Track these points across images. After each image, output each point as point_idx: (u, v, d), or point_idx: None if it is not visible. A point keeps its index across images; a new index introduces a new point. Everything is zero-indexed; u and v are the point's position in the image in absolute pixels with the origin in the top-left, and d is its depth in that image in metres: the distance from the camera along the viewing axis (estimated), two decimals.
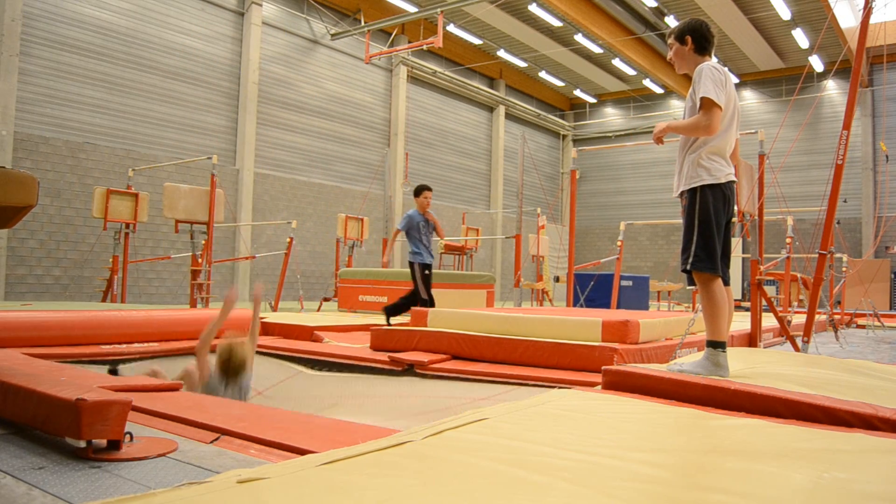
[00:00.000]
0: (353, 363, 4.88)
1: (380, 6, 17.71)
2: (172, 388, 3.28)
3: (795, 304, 11.86)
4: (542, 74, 23.76)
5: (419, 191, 6.68)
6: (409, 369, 4.55)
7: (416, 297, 6.62)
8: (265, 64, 15.78)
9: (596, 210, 26.01)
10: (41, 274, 11.89)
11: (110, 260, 10.34)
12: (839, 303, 12.25)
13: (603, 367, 3.12)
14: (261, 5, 15.53)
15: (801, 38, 19.26)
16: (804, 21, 18.79)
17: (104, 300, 10.12)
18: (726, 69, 3.23)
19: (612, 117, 26.49)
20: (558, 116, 26.76)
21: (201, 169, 13.70)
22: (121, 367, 4.50)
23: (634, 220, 17.01)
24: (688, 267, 3.16)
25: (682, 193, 3.26)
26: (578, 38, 19.94)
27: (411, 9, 17.05)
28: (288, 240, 10.85)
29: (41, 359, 3.93)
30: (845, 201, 20.17)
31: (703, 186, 3.14)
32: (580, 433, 2.13)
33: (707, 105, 3.05)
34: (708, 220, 3.12)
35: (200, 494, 1.45)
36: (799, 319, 7.49)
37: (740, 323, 6.89)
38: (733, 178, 3.23)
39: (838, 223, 14.98)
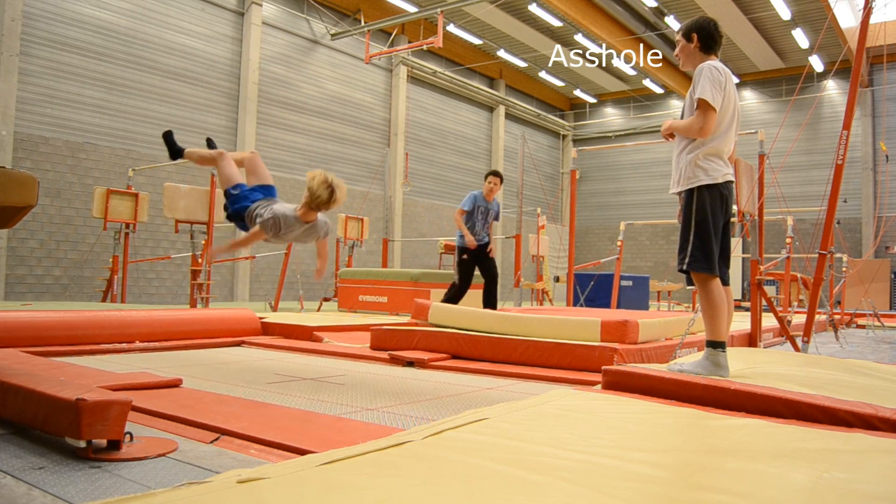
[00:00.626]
0: (351, 362, 4.88)
1: (380, 6, 17.71)
2: (173, 385, 3.28)
3: (795, 304, 11.86)
4: (542, 74, 23.76)
5: (486, 175, 6.60)
6: (409, 367, 4.55)
7: (454, 285, 6.50)
8: (265, 64, 15.78)
9: (596, 210, 26.01)
10: (41, 274, 11.89)
11: (110, 260, 10.34)
12: (839, 303, 12.25)
13: (603, 367, 3.12)
14: (261, 5, 15.53)
15: (801, 38, 19.26)
16: (804, 21, 18.79)
17: (104, 300, 10.13)
18: (728, 70, 3.23)
19: (612, 117, 26.50)
20: (558, 116, 26.76)
21: (201, 169, 13.69)
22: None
23: (634, 220, 17.01)
24: (684, 267, 3.17)
25: (679, 193, 3.26)
26: (578, 37, 19.94)
27: (411, 9, 17.06)
28: None
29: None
30: (845, 201, 20.17)
31: (700, 187, 3.14)
32: (580, 433, 2.13)
33: (702, 107, 3.05)
34: (705, 221, 3.12)
35: (200, 494, 1.45)
36: (799, 319, 7.49)
37: (740, 323, 6.89)
38: (731, 179, 3.23)
39: (838, 223, 14.97)
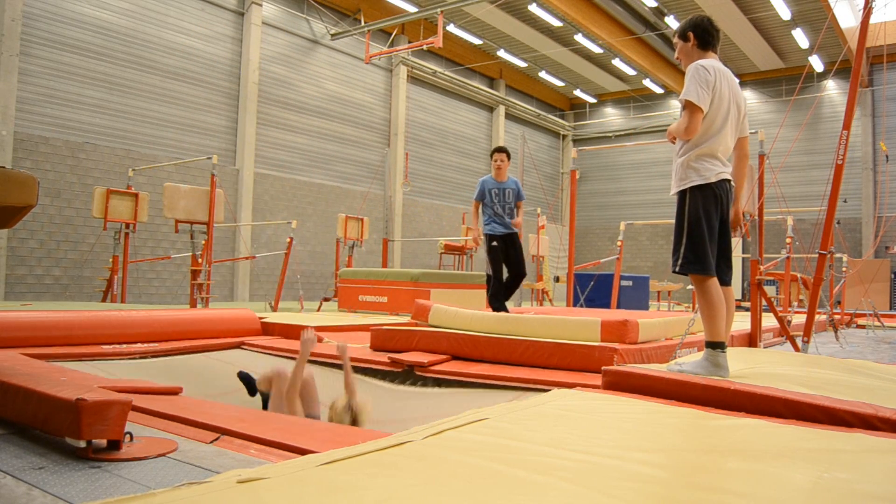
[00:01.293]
0: (352, 364, 4.87)
1: (380, 6, 17.71)
2: (172, 392, 3.28)
3: (795, 304, 11.86)
4: (542, 74, 23.76)
5: (491, 153, 6.17)
6: (409, 370, 4.55)
7: (489, 278, 6.05)
8: (265, 64, 15.78)
9: (596, 210, 26.01)
10: (41, 274, 11.89)
11: (110, 260, 10.34)
12: (839, 303, 12.25)
13: (603, 368, 3.12)
14: (261, 5, 15.53)
15: (801, 38, 19.26)
16: (804, 21, 18.79)
17: (104, 300, 10.13)
18: (724, 68, 3.18)
19: (612, 117, 26.49)
20: (558, 116, 26.76)
21: (201, 169, 13.70)
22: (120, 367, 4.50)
23: (634, 220, 17.01)
24: (676, 269, 3.15)
25: (676, 194, 3.25)
26: (578, 37, 19.95)
27: (411, 9, 17.05)
28: (288, 240, 10.85)
29: (41, 359, 3.93)
30: (845, 201, 20.16)
31: (692, 188, 3.12)
32: (580, 433, 2.13)
33: (687, 107, 3.04)
34: (697, 222, 3.10)
35: (200, 494, 1.45)
36: (799, 319, 7.48)
37: (740, 323, 6.90)
38: (726, 178, 3.19)
39: (838, 223, 14.97)
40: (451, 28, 19.21)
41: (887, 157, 17.34)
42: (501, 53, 21.57)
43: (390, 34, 18.53)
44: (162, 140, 13.85)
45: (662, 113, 24.67)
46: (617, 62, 21.86)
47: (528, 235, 13.73)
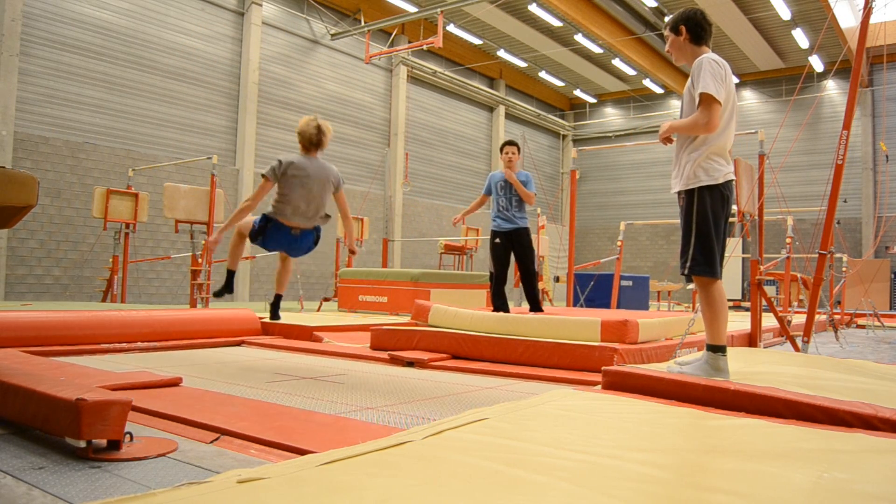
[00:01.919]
0: (352, 364, 4.88)
1: (380, 6, 17.71)
2: (172, 384, 3.29)
3: (795, 304, 11.87)
4: (542, 74, 23.76)
5: (500, 147, 6.05)
6: (409, 367, 4.55)
7: (491, 275, 5.92)
8: (265, 64, 15.78)
9: (596, 210, 26.01)
10: (41, 274, 11.89)
11: (110, 260, 10.35)
12: (839, 303, 12.25)
13: (603, 368, 3.12)
14: (261, 5, 15.53)
15: (801, 38, 19.26)
16: (804, 21, 18.79)
17: (104, 300, 10.13)
18: (725, 62, 3.12)
19: (612, 117, 26.50)
20: (558, 116, 26.76)
21: (201, 169, 13.70)
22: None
23: (634, 220, 17.01)
24: (686, 271, 3.08)
25: (679, 193, 3.19)
26: (578, 37, 19.95)
27: (411, 9, 17.06)
28: None
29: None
30: (845, 201, 20.17)
31: (700, 188, 3.05)
32: (580, 433, 2.13)
33: (707, 101, 2.94)
34: (706, 223, 3.04)
35: (200, 494, 1.45)
36: (799, 319, 7.49)
37: (740, 323, 6.90)
38: (732, 178, 3.14)
39: (838, 223, 14.97)
40: (451, 28, 19.21)
41: (887, 157, 17.35)
42: (501, 53, 21.57)
43: (390, 34, 18.53)
44: (162, 140, 13.85)
45: (662, 113, 24.66)
46: (617, 62, 21.87)
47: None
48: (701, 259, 3.04)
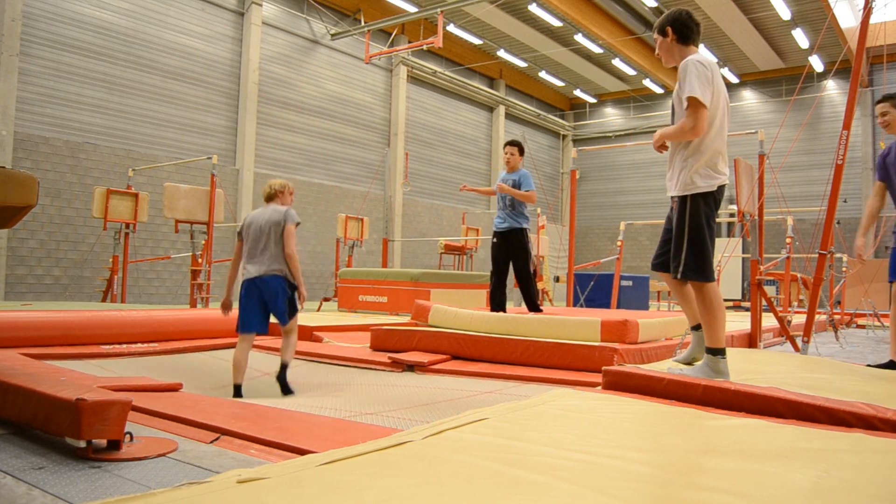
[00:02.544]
0: (352, 364, 4.88)
1: (380, 6, 17.71)
2: (172, 389, 3.28)
3: (795, 304, 11.87)
4: (542, 74, 23.76)
5: (504, 146, 5.96)
6: (409, 370, 4.55)
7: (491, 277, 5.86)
8: (265, 64, 15.78)
9: (596, 210, 26.01)
10: (41, 274, 11.89)
11: (110, 260, 10.34)
12: (839, 303, 12.25)
13: (603, 368, 3.12)
14: (261, 5, 15.53)
15: (801, 38, 19.26)
16: (804, 21, 18.79)
17: (104, 300, 10.12)
18: (714, 61, 3.05)
19: (612, 117, 26.49)
20: (558, 116, 26.76)
21: (201, 169, 13.70)
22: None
23: (634, 220, 17.00)
24: (678, 276, 3.08)
25: (673, 197, 3.17)
26: (578, 37, 19.94)
27: (411, 9, 17.05)
28: None
29: (41, 359, 3.93)
30: (845, 201, 20.16)
31: (695, 195, 3.03)
32: (580, 433, 2.13)
33: (693, 105, 2.91)
34: (699, 229, 3.02)
35: (200, 494, 1.45)
36: (799, 319, 7.49)
37: (740, 323, 6.90)
38: (726, 182, 3.12)
39: (838, 223, 14.95)
40: (451, 28, 19.21)
41: None
42: (501, 53, 21.57)
43: (390, 34, 18.53)
44: (162, 140, 13.85)
45: (662, 113, 24.64)
46: (617, 62, 21.86)
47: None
48: (693, 264, 3.03)
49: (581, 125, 27.21)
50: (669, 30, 3.15)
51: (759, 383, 2.72)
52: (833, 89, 21.46)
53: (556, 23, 19.12)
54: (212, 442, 2.32)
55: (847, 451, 1.93)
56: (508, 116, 24.07)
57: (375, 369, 4.69)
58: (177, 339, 5.37)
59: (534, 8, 17.94)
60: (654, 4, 18.00)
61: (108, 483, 1.85)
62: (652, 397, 2.78)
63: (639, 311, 7.55)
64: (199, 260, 9.25)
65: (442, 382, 4.02)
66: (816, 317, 5.69)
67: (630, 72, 22.88)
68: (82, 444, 2.07)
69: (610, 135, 25.89)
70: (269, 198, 4.33)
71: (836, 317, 9.17)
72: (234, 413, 2.66)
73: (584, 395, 2.84)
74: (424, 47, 15.21)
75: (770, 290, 15.25)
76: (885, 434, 2.15)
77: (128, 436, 2.19)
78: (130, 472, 1.96)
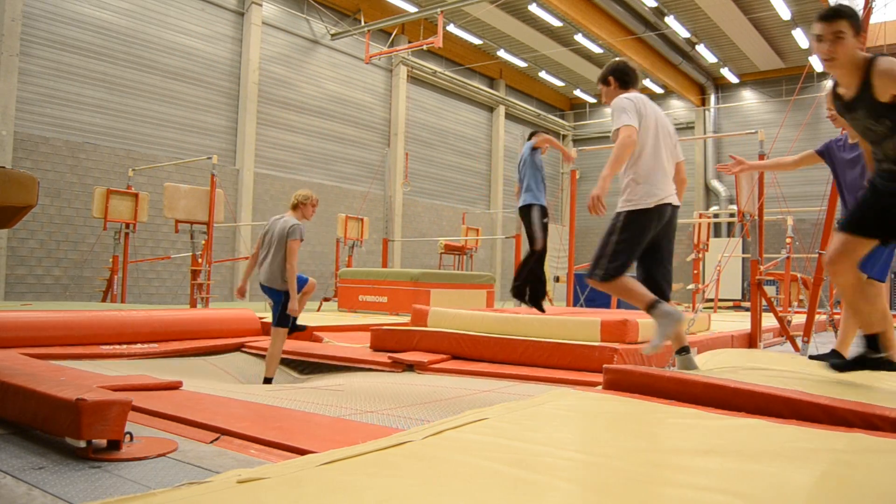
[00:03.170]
0: (352, 365, 4.88)
1: (380, 6, 17.71)
2: (172, 387, 3.28)
3: (795, 304, 11.86)
4: (542, 74, 23.75)
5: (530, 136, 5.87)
6: (409, 370, 4.55)
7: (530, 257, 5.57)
8: (265, 64, 15.78)
9: None
10: (41, 274, 11.89)
11: (110, 260, 10.35)
12: (839, 303, 12.23)
13: (604, 366, 3.12)
14: (261, 5, 15.53)
15: (801, 38, 19.25)
16: (804, 21, 18.78)
17: (104, 300, 10.12)
18: (644, 97, 3.37)
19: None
20: (558, 116, 26.75)
21: (201, 169, 13.69)
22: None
23: None
24: (590, 275, 3.30)
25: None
26: (578, 37, 19.94)
27: (411, 9, 17.05)
28: None
29: (41, 359, 3.93)
30: None
31: (629, 212, 3.25)
32: (580, 433, 2.13)
33: (615, 134, 3.24)
34: (625, 244, 3.21)
35: (200, 494, 1.45)
36: (799, 319, 7.49)
37: (740, 323, 6.90)
38: (669, 202, 3.29)
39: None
40: (451, 28, 19.21)
41: None
42: (501, 53, 21.56)
43: (390, 34, 18.52)
44: (162, 140, 13.85)
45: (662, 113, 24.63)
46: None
47: None
48: (599, 272, 3.23)
49: (581, 125, 27.20)
50: (611, 79, 3.57)
51: (759, 382, 2.72)
52: None
53: (556, 23, 19.11)
54: (212, 442, 2.32)
55: (847, 450, 1.93)
56: (508, 116, 24.07)
57: (375, 369, 4.69)
58: (177, 339, 5.37)
59: (534, 8, 17.94)
60: (654, 4, 18.00)
61: (108, 483, 1.85)
62: (652, 397, 2.78)
63: (639, 312, 7.55)
64: (199, 260, 9.25)
65: (442, 382, 4.02)
66: (816, 317, 5.69)
67: None
68: (82, 444, 2.07)
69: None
70: (293, 207, 4.53)
71: (836, 317, 9.16)
72: (234, 413, 2.66)
73: (584, 395, 2.84)
74: (424, 47, 15.20)
75: (770, 290, 15.24)
76: (886, 434, 2.15)
77: (128, 436, 2.19)
78: (130, 472, 1.96)
